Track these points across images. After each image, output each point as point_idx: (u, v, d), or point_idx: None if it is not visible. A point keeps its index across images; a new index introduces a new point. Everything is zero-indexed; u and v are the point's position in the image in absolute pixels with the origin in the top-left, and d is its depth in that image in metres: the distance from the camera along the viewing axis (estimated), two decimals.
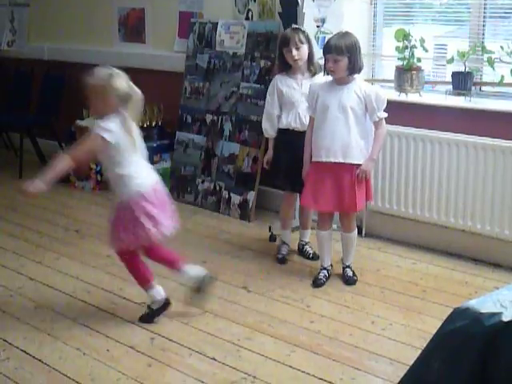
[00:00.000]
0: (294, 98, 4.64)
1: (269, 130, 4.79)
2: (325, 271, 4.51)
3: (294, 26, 4.71)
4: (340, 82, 4.28)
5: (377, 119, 4.28)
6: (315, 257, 4.84)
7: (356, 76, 4.30)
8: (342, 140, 4.25)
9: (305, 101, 4.55)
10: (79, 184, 6.77)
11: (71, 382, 3.38)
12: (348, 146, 4.24)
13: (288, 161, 4.68)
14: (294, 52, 4.53)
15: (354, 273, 4.54)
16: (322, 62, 4.49)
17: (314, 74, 4.63)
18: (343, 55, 4.15)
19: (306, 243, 4.99)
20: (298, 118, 4.64)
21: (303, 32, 4.60)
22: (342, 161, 4.26)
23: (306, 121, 4.54)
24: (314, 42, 4.77)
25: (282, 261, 4.86)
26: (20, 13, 8.20)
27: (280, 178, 4.82)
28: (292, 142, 4.65)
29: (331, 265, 4.58)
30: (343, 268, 4.56)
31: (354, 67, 4.22)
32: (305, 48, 4.55)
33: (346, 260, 4.57)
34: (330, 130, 4.27)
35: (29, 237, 5.42)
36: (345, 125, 4.25)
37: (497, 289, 4.06)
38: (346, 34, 4.26)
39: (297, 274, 4.66)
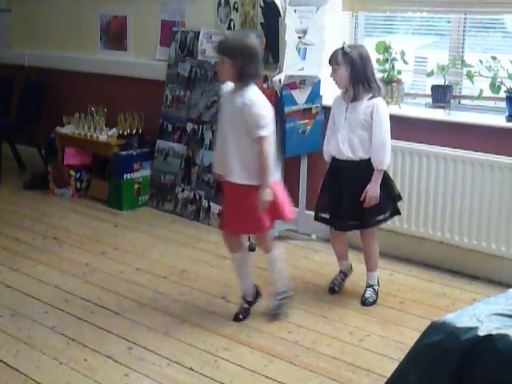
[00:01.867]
0: (338, 122, 4.26)
1: (324, 153, 4.37)
2: (243, 303, 4.17)
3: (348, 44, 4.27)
4: (235, 89, 3.89)
5: (255, 137, 3.81)
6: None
7: (251, 84, 3.85)
8: (226, 156, 3.92)
9: (346, 126, 4.20)
10: (58, 191, 6.73)
11: None
12: (230, 164, 3.89)
13: (330, 193, 4.34)
14: None
15: (280, 306, 4.13)
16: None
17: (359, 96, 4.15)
18: (223, 55, 3.81)
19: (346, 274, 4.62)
20: (337, 144, 4.24)
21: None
22: (228, 179, 3.95)
23: (344, 148, 4.19)
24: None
25: (331, 291, 4.53)
26: (1, 18, 8.15)
27: (320, 210, 4.42)
28: (335, 171, 4.31)
29: (257, 294, 4.22)
30: (275, 295, 4.17)
31: (241, 73, 3.77)
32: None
33: (276, 287, 4.16)
34: (220, 142, 4.02)
35: (6, 244, 5.37)
36: (227, 139, 3.90)
37: (474, 301, 4.10)
38: (241, 36, 4.02)
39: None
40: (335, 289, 4.52)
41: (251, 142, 3.82)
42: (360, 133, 4.16)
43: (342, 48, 4.13)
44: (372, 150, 4.15)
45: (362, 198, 4.15)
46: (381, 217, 4.31)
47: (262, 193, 3.83)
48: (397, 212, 4.40)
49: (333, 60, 4.16)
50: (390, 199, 4.31)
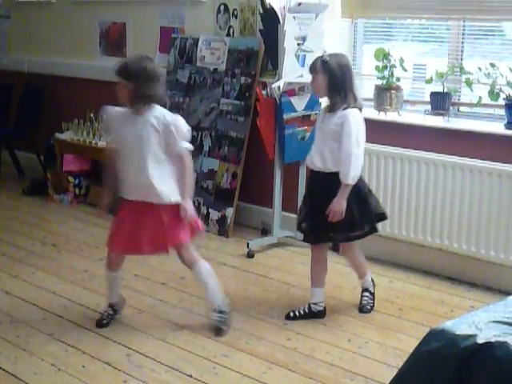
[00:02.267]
0: (315, 132, 4.23)
1: None
2: (109, 310, 4.16)
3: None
4: (134, 111, 3.83)
5: (175, 150, 3.81)
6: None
7: (153, 106, 3.80)
8: (141, 180, 3.83)
9: (320, 136, 4.11)
10: (57, 197, 6.73)
11: None
12: (148, 185, 3.81)
13: (308, 204, 4.23)
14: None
15: (220, 326, 4.03)
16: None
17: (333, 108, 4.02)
18: (119, 78, 3.76)
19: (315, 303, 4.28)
20: (311, 154, 4.15)
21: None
22: (141, 199, 3.87)
23: (316, 159, 4.07)
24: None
25: (287, 316, 4.26)
26: (0, 24, 8.17)
27: (300, 221, 4.24)
28: (310, 183, 4.31)
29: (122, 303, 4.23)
30: (211, 313, 4.07)
31: (138, 95, 3.73)
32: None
33: (211, 305, 4.07)
34: (130, 168, 3.87)
35: (5, 250, 5.37)
36: (140, 162, 3.80)
37: (473, 308, 4.10)
38: (137, 59, 3.90)
39: (274, 291, 4.66)
40: (290, 314, 4.26)
41: (169, 157, 3.81)
42: (330, 144, 3.99)
43: (322, 56, 4.06)
44: (339, 162, 3.98)
45: (327, 212, 3.97)
46: (356, 232, 4.14)
47: (185, 204, 3.81)
48: (374, 230, 4.22)
49: (312, 68, 4.07)
50: (367, 216, 4.12)
